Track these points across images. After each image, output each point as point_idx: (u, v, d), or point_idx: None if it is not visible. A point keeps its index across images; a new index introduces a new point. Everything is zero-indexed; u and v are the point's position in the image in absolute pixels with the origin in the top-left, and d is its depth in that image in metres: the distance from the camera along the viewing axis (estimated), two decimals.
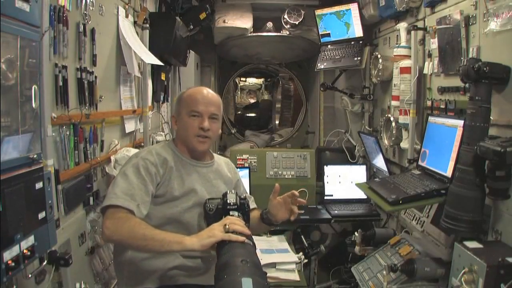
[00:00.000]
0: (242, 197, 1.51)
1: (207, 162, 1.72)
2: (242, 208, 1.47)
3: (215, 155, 1.80)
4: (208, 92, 1.67)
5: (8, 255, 1.09)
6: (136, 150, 2.15)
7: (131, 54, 2.29)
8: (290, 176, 3.15)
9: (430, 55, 2.15)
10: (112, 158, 1.99)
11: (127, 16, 2.29)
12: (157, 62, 2.48)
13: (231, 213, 1.44)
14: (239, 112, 6.76)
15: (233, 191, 1.53)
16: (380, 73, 2.73)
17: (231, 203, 1.46)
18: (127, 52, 2.25)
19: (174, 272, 1.54)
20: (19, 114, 1.18)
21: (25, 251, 1.16)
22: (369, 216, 2.93)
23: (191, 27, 3.09)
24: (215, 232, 1.30)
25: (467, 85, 1.73)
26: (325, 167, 3.20)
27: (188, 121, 1.61)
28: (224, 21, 3.45)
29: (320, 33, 3.29)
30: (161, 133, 2.92)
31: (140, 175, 1.49)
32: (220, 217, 1.42)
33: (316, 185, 3.20)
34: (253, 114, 6.77)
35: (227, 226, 1.31)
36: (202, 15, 3.13)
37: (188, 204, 1.57)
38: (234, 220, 1.35)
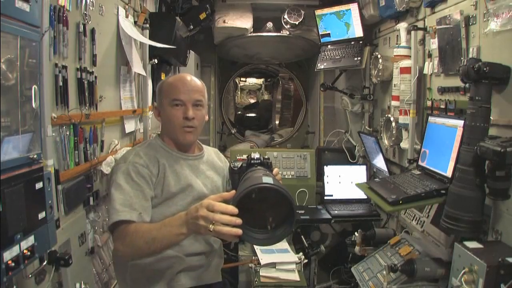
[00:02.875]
0: (265, 157, 1.53)
1: (197, 154, 1.66)
2: (265, 166, 1.49)
3: (203, 146, 1.75)
4: (191, 79, 1.59)
5: (8, 255, 1.09)
6: None
7: (132, 52, 2.29)
8: (290, 176, 3.15)
9: (430, 55, 2.15)
10: (110, 158, 1.98)
11: (127, 16, 2.29)
12: (162, 45, 2.44)
13: (254, 167, 1.47)
14: (239, 112, 6.76)
15: (257, 153, 1.53)
16: (380, 73, 2.73)
17: (255, 158, 1.49)
18: (129, 50, 2.25)
19: (181, 275, 1.52)
20: (19, 114, 1.18)
21: (25, 251, 1.16)
22: (369, 216, 2.93)
23: (191, 27, 3.09)
24: (201, 229, 1.20)
25: (467, 85, 1.73)
26: (325, 167, 3.21)
27: (171, 112, 1.54)
28: (224, 21, 3.45)
29: (320, 33, 3.29)
30: None
31: (133, 181, 1.43)
32: (242, 173, 1.46)
33: (316, 185, 3.21)
34: (253, 114, 6.77)
35: (211, 222, 1.16)
36: (202, 15, 3.13)
37: (187, 201, 1.52)
38: (215, 207, 1.16)
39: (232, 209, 1.15)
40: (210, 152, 1.76)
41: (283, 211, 1.20)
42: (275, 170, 1.53)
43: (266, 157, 1.54)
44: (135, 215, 1.37)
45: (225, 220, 1.14)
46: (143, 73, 2.48)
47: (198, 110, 1.57)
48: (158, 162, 1.52)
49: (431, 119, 1.99)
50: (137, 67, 2.35)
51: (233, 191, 1.27)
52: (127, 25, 2.24)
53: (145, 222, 1.39)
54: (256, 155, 1.50)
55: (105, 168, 1.89)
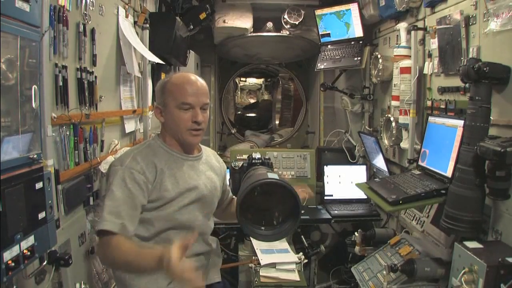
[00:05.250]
0: (266, 157, 1.56)
1: (197, 155, 1.66)
2: (266, 165, 1.51)
3: (202, 146, 1.74)
4: (197, 80, 1.57)
5: (8, 255, 1.09)
6: None
7: (131, 54, 2.29)
8: (290, 176, 3.15)
9: (430, 55, 2.15)
10: (110, 158, 1.98)
11: (127, 16, 2.29)
12: (158, 60, 2.47)
13: (256, 166, 1.49)
14: (239, 112, 6.75)
15: (258, 153, 1.54)
16: (380, 73, 2.73)
17: (256, 158, 1.50)
18: (127, 52, 2.25)
19: None
20: (19, 114, 1.19)
21: (25, 251, 1.16)
22: (369, 216, 2.94)
23: (191, 27, 3.09)
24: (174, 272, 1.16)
25: (467, 85, 1.73)
26: (325, 167, 3.21)
27: (179, 115, 1.52)
28: (224, 21, 3.45)
29: (320, 33, 3.29)
30: None
31: (126, 187, 1.43)
32: (243, 172, 1.49)
33: (316, 185, 3.20)
34: (253, 114, 6.77)
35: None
36: (202, 15, 3.12)
37: (184, 202, 1.53)
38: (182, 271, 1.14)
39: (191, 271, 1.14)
40: (208, 153, 1.77)
41: (288, 207, 1.22)
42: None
43: (267, 157, 1.55)
44: (117, 226, 1.38)
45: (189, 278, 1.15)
46: (139, 75, 2.48)
47: (205, 112, 1.57)
48: (155, 167, 1.50)
49: (431, 119, 1.99)
50: (135, 70, 2.35)
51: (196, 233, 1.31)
52: (128, 30, 2.24)
53: (128, 235, 1.40)
54: (257, 155, 1.52)
55: (103, 167, 1.89)
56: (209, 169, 1.68)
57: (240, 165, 1.54)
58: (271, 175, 1.21)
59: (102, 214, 1.41)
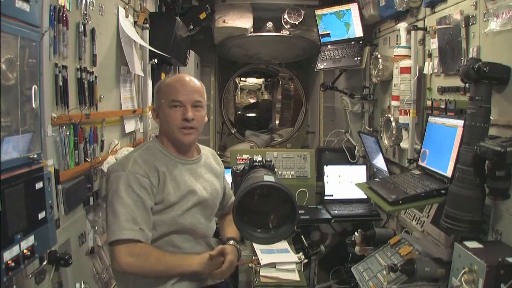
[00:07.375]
0: (267, 159, 1.58)
1: (195, 158, 1.64)
2: (268, 168, 1.52)
3: (200, 146, 1.73)
4: (190, 80, 1.57)
5: (8, 255, 1.09)
6: None
7: (132, 53, 2.29)
8: (290, 176, 3.15)
9: (430, 55, 2.15)
10: (110, 158, 1.98)
11: (127, 16, 2.29)
12: (161, 53, 2.45)
13: (256, 169, 1.51)
14: (239, 112, 6.74)
15: (259, 155, 1.55)
16: (380, 73, 2.73)
17: (257, 160, 1.50)
18: (129, 51, 2.25)
19: (185, 278, 1.52)
20: (19, 114, 1.18)
21: (25, 251, 1.16)
22: (369, 216, 2.93)
23: (191, 27, 3.09)
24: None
25: (467, 85, 1.73)
26: (325, 167, 3.21)
27: (170, 113, 1.52)
28: (224, 21, 3.45)
29: (320, 33, 3.29)
30: None
31: (134, 192, 1.42)
32: (245, 175, 1.50)
33: (316, 185, 3.20)
34: (253, 114, 6.76)
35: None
36: (202, 15, 3.13)
37: (187, 206, 1.52)
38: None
39: None
40: (208, 154, 1.75)
41: (285, 210, 1.22)
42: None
43: (268, 159, 1.55)
44: (139, 233, 1.40)
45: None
46: (142, 74, 2.48)
47: (198, 111, 1.55)
48: (157, 171, 1.50)
49: (431, 119, 1.98)
50: (136, 68, 2.35)
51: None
52: (127, 26, 2.24)
53: (148, 239, 1.44)
54: (258, 158, 1.52)
55: (105, 167, 1.89)
56: (208, 172, 1.67)
57: (241, 168, 1.55)
58: (267, 178, 1.22)
59: (117, 222, 1.39)
